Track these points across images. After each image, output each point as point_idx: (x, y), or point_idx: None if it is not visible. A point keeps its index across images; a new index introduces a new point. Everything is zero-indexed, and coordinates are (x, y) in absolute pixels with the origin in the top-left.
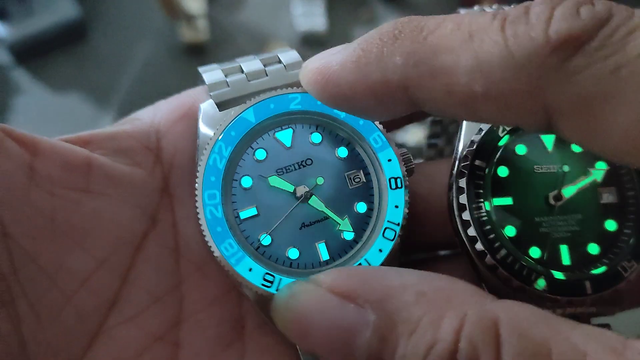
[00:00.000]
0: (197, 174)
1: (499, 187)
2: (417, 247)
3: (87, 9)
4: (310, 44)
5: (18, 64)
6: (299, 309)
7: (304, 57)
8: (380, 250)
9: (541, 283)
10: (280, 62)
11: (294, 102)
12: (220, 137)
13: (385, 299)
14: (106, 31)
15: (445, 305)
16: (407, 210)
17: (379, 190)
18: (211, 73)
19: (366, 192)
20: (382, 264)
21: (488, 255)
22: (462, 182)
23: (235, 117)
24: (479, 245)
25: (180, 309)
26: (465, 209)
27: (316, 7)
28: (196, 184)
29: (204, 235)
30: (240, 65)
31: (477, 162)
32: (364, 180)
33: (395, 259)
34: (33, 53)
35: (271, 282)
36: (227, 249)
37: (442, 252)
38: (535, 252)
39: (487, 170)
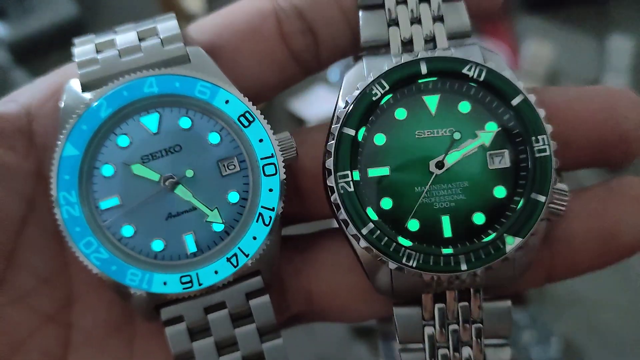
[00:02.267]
0: (52, 167)
1: (374, 156)
2: (306, 219)
3: (85, 8)
4: None
5: (17, 63)
6: None
7: None
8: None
9: (411, 260)
10: (157, 35)
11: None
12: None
13: None
14: (104, 30)
15: None
16: (283, 195)
17: (253, 177)
18: (83, 48)
19: (240, 181)
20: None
21: (350, 225)
22: (330, 146)
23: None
24: (341, 214)
25: (70, 289)
26: (331, 174)
27: None
28: (50, 180)
29: (64, 236)
30: (115, 39)
31: (345, 128)
32: (238, 169)
33: (275, 245)
34: (32, 52)
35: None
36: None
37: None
38: (413, 225)
39: (360, 136)
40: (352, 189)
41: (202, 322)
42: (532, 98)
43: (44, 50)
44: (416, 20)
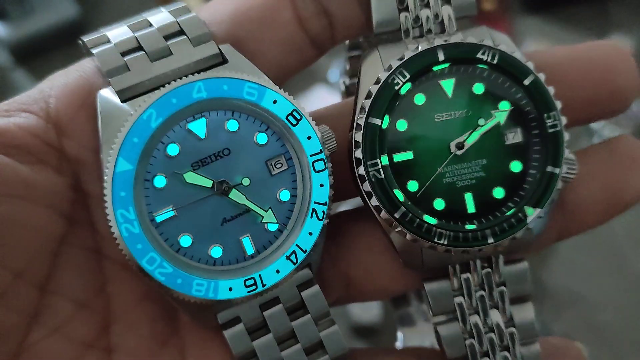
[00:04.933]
0: (105, 184)
1: (398, 142)
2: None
3: (86, 8)
4: None
5: (18, 64)
6: None
7: None
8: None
9: (442, 238)
10: (182, 31)
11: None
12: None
13: None
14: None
15: None
16: (332, 190)
17: (302, 174)
18: (104, 51)
19: (289, 179)
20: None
21: (383, 210)
22: (358, 136)
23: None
24: (374, 201)
25: (108, 311)
26: (361, 164)
27: None
28: (105, 198)
29: (124, 255)
30: (137, 39)
31: (371, 118)
32: (286, 166)
33: (324, 236)
34: (32, 53)
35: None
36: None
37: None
38: (439, 204)
39: (385, 123)
40: (382, 176)
41: (259, 320)
42: (542, 77)
43: (44, 51)
44: (424, 4)
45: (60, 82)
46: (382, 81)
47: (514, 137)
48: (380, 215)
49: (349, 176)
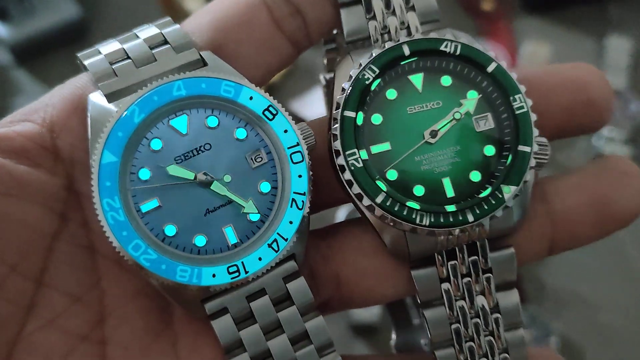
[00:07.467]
0: (92, 176)
1: (375, 135)
2: (324, 206)
3: (87, 9)
4: None
5: (18, 64)
6: None
7: None
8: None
9: (423, 219)
10: (166, 41)
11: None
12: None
13: None
14: (106, 31)
15: None
16: (311, 179)
17: (281, 165)
18: (95, 61)
19: (269, 171)
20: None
21: (364, 197)
22: (335, 130)
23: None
24: (355, 189)
25: (102, 305)
26: (340, 155)
27: None
28: (92, 189)
29: (111, 242)
30: (124, 49)
31: (346, 112)
32: (266, 160)
33: (307, 228)
34: (34, 53)
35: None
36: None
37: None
38: (419, 190)
39: (360, 119)
40: (361, 165)
41: (246, 311)
42: (503, 64)
43: (46, 51)
44: (391, 12)
45: (57, 92)
46: (353, 77)
47: (486, 123)
48: (362, 202)
49: (333, 180)
